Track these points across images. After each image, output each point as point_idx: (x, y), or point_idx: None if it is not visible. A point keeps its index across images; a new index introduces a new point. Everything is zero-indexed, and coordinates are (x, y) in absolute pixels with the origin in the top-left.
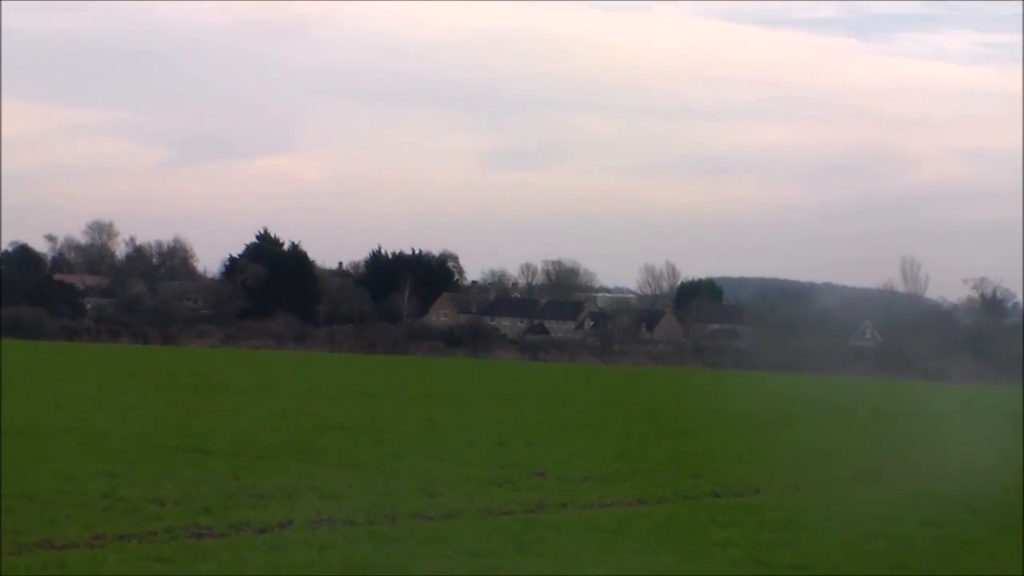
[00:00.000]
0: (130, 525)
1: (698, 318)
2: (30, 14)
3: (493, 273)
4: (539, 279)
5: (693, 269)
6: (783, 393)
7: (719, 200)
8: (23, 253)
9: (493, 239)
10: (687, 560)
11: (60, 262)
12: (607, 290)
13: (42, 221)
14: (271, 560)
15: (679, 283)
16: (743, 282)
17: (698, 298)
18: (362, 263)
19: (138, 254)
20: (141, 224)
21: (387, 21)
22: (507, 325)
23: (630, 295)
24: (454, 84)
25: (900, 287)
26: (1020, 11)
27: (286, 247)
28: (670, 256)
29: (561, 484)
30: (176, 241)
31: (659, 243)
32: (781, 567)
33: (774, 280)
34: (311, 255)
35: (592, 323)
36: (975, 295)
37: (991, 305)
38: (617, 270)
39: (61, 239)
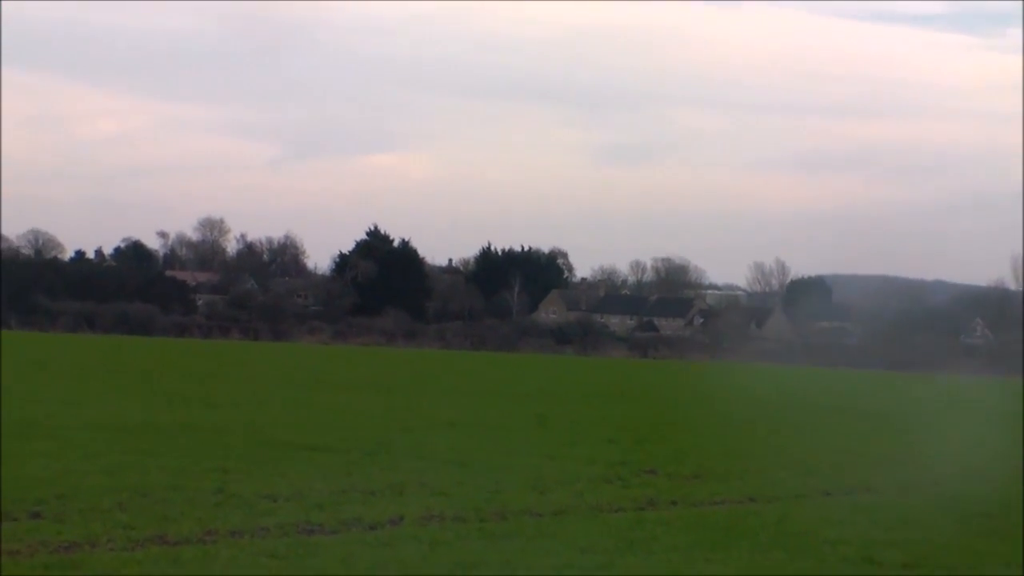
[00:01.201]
0: (242, 521)
1: (807, 316)
2: (145, 13)
3: (603, 270)
4: (648, 276)
5: (803, 266)
6: (891, 390)
7: (829, 196)
8: (135, 250)
9: (603, 236)
10: (797, 558)
11: (172, 258)
12: (716, 287)
13: (154, 218)
14: (381, 556)
15: (788, 280)
16: (853, 279)
17: (808, 295)
18: (472, 260)
19: (249, 251)
20: (252, 221)
21: (495, 17)
22: (616, 322)
23: (739, 292)
24: (563, 80)
25: (1011, 284)
26: None
27: (396, 244)
28: (780, 253)
29: (671, 481)
30: (287, 238)
31: (769, 240)
32: (892, 566)
33: (884, 277)
34: (421, 252)
35: (701, 320)
36: None
37: None
38: (726, 267)
39: (173, 236)
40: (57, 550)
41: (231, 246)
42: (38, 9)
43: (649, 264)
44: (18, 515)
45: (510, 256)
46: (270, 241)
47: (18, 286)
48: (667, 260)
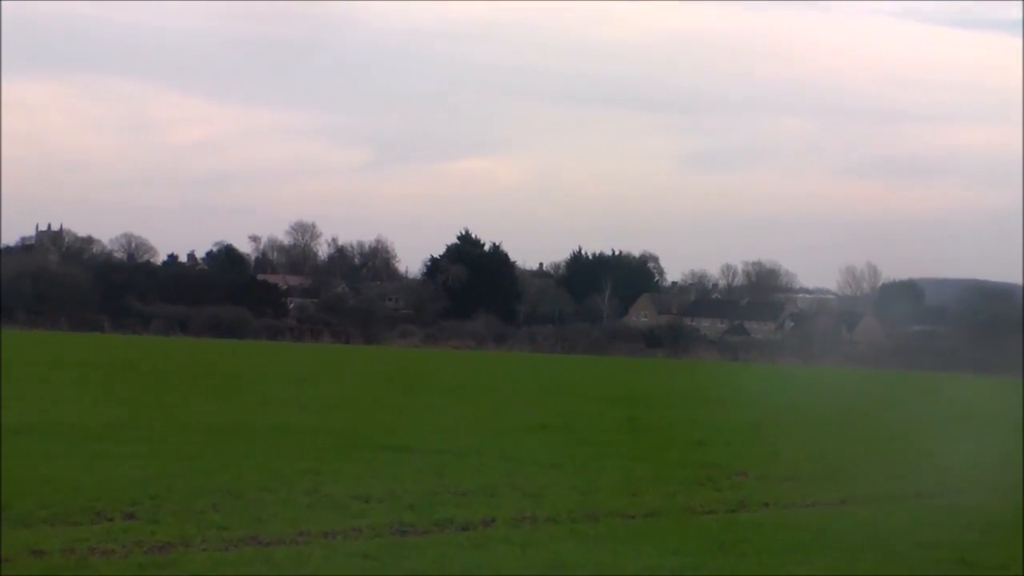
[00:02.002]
0: (335, 522)
1: (899, 319)
2: (235, 19)
3: (693, 274)
4: (739, 280)
5: (894, 270)
6: (982, 393)
7: (920, 201)
8: (227, 253)
9: (693, 240)
10: (891, 560)
11: (263, 262)
12: (807, 291)
13: (246, 222)
14: (474, 557)
15: (880, 284)
16: (945, 283)
17: (899, 299)
18: (563, 264)
19: (340, 254)
20: (343, 225)
21: (587, 23)
22: (707, 326)
23: (830, 296)
24: (654, 86)
25: None
26: None
27: (487, 248)
28: (871, 257)
29: (762, 484)
30: (378, 242)
31: (859, 244)
32: (988, 568)
33: (975, 281)
34: (512, 256)
35: (792, 324)
36: None
37: None
38: (817, 271)
39: (265, 239)
40: (151, 550)
41: (323, 250)
42: (128, 15)
43: (740, 268)
44: (112, 515)
45: (600, 260)
46: (361, 245)
47: (111, 289)
48: (758, 264)
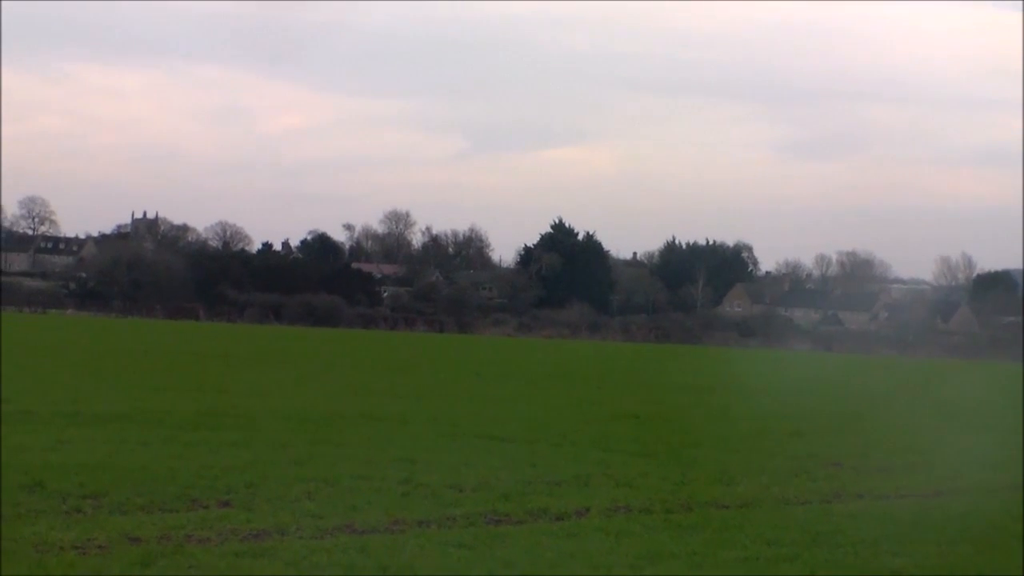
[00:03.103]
0: (429, 511)
1: (994, 310)
2: (330, 9)
3: (787, 263)
4: (833, 270)
5: (989, 261)
6: None
7: (1015, 190)
8: (321, 242)
9: (787, 229)
10: (985, 552)
11: (357, 251)
12: (901, 281)
13: (340, 210)
14: (568, 547)
15: (975, 274)
16: None
17: (994, 290)
18: (656, 253)
19: (434, 243)
20: (437, 213)
21: (680, 14)
22: (800, 315)
23: (924, 286)
24: (747, 75)
25: None
26: None
27: (581, 237)
28: (966, 247)
29: (857, 475)
30: (472, 231)
31: (954, 234)
32: None
33: None
34: (605, 245)
35: (886, 314)
36: None
37: None
38: (911, 261)
39: (359, 228)
40: (246, 538)
41: (416, 239)
42: (227, 6)
43: (834, 258)
44: (208, 503)
45: (694, 249)
46: (455, 234)
47: (206, 277)
48: (852, 254)
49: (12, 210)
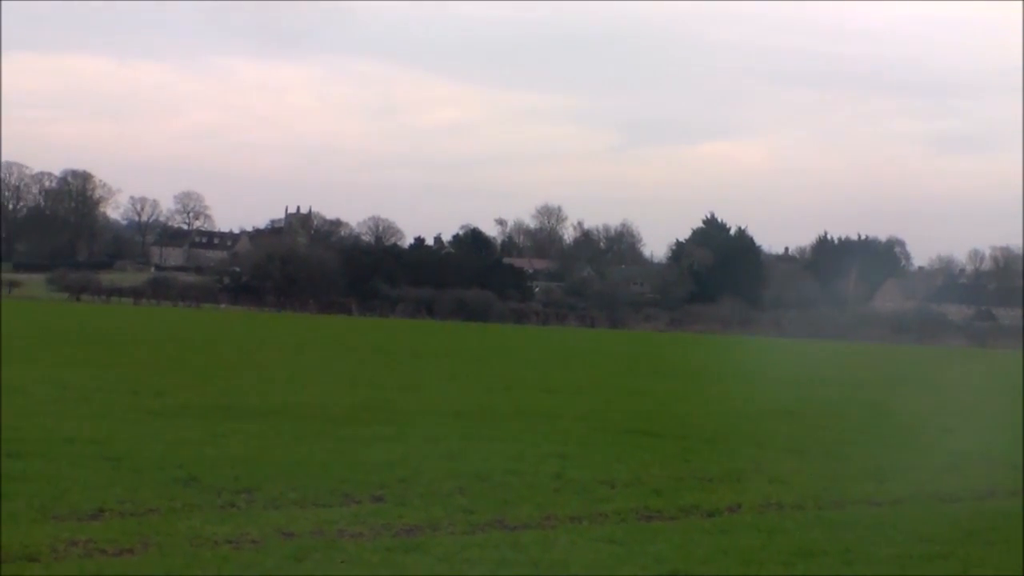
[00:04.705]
0: (580, 506)
1: None
2: (486, 3)
3: (940, 259)
4: (987, 265)
5: None
6: None
7: None
8: (474, 237)
9: (940, 224)
10: None
11: (509, 245)
12: None
13: (492, 205)
14: (720, 543)
15: None
16: None
17: None
18: (808, 248)
19: (586, 238)
20: (589, 208)
21: (834, 7)
22: (953, 311)
23: None
24: (900, 69)
25: None
26: None
27: (733, 232)
28: None
29: (1011, 472)
30: (623, 225)
31: None
32: None
33: None
34: (757, 240)
35: None
36: None
37: None
38: None
39: (511, 223)
40: (399, 533)
41: (568, 233)
42: (383, 6)
43: (987, 252)
44: (361, 498)
45: (846, 244)
46: (607, 229)
47: (359, 272)
48: (1006, 249)
49: (168, 205)
